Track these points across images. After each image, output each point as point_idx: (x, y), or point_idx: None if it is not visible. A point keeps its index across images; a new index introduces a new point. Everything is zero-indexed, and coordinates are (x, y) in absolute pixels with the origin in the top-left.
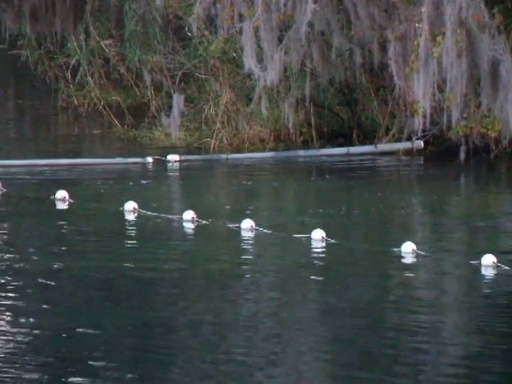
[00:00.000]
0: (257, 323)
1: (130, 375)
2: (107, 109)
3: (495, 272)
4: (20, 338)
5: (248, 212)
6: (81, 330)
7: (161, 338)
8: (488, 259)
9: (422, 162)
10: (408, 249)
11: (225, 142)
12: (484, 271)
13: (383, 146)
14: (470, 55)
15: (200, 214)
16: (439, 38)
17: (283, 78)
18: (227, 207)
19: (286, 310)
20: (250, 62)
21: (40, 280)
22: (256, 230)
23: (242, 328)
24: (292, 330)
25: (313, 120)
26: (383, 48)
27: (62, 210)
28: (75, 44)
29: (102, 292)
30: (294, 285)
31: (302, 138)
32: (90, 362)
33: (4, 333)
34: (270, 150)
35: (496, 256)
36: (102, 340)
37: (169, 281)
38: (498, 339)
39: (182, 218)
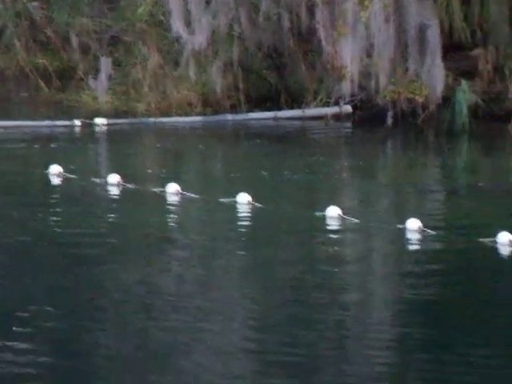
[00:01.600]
0: (182, 289)
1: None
2: (34, 72)
3: (420, 236)
4: None
5: (174, 176)
6: None
7: (87, 302)
8: (413, 224)
9: (350, 127)
10: (333, 213)
11: (152, 105)
12: (409, 235)
13: (311, 111)
14: (398, 20)
15: (126, 178)
16: (367, 3)
17: (211, 41)
18: (153, 171)
19: (211, 273)
20: (177, 25)
21: None
22: (182, 194)
23: (166, 294)
24: (216, 292)
25: (241, 84)
26: (311, 12)
27: None
28: (1, 6)
29: (23, 256)
30: (219, 249)
31: (229, 103)
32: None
33: None
34: (198, 114)
35: (421, 220)
36: (27, 301)
37: (93, 245)
38: (421, 305)
39: (107, 182)
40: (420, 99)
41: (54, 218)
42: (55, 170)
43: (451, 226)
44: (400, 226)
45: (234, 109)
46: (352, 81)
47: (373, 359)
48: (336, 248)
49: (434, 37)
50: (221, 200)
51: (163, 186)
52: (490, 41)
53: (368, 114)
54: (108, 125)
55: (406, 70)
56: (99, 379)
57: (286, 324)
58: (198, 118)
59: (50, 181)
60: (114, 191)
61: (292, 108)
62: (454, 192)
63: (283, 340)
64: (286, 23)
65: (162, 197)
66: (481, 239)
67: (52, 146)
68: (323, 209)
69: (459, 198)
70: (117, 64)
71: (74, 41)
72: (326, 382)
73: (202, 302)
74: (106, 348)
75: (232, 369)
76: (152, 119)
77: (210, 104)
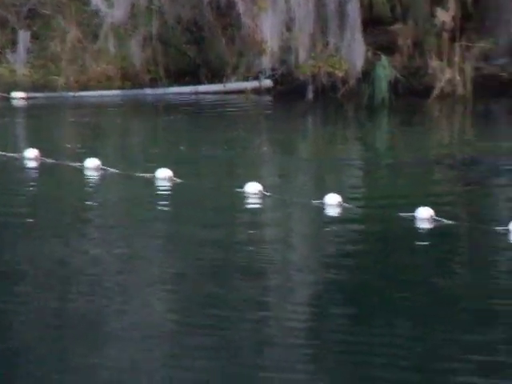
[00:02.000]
0: (100, 268)
1: None
2: None
3: (339, 211)
4: None
5: (93, 151)
6: None
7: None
8: (332, 199)
9: (271, 101)
10: (253, 189)
11: (71, 79)
12: (328, 210)
13: (232, 85)
14: None
15: (44, 153)
16: None
17: (130, 15)
18: (72, 146)
19: (131, 251)
20: None
21: None
22: (102, 169)
23: (84, 273)
24: (135, 271)
25: (160, 58)
26: None
27: None
28: None
29: None
30: (139, 225)
31: (149, 77)
32: None
33: None
34: (118, 88)
35: (341, 195)
36: None
37: (8, 224)
38: (341, 285)
39: (24, 157)
40: (340, 74)
41: None
42: None
43: (371, 200)
44: (320, 201)
45: (153, 83)
46: (272, 55)
47: (293, 340)
48: (256, 225)
49: (354, 11)
50: (140, 175)
51: (82, 160)
52: (410, 16)
53: (288, 89)
54: (26, 99)
55: (326, 44)
56: (14, 356)
57: (206, 305)
58: (117, 92)
59: None
60: (32, 166)
61: (212, 82)
62: (373, 167)
63: (202, 321)
64: None
65: (81, 172)
66: (400, 214)
67: None
68: (243, 184)
69: (379, 173)
70: (35, 37)
71: None
72: (246, 363)
73: (119, 281)
74: (19, 332)
75: (149, 351)
76: (71, 93)
77: (129, 78)
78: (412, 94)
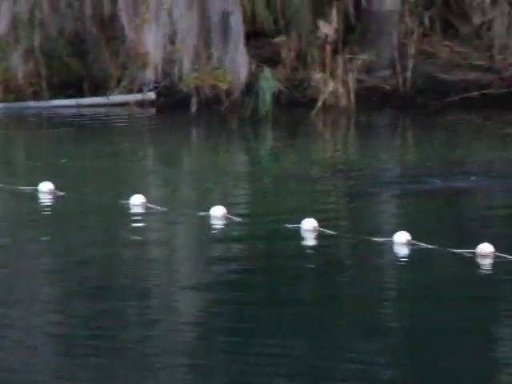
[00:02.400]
0: None
1: None
2: None
3: (224, 223)
4: None
5: None
6: None
7: None
8: (218, 211)
9: (154, 114)
10: (137, 201)
11: None
12: (214, 222)
13: (115, 98)
14: (201, 7)
15: None
16: None
17: (11, 27)
18: None
19: (11, 265)
20: None
21: None
22: None
23: None
24: (14, 285)
25: (43, 71)
26: None
27: None
28: None
29: None
30: (19, 238)
31: (32, 89)
32: None
33: None
34: (0, 101)
35: (226, 207)
36: None
37: None
38: (224, 291)
39: None
40: (223, 86)
41: None
42: None
43: (256, 212)
44: (205, 214)
45: (36, 96)
46: (155, 68)
47: (177, 359)
48: (140, 238)
49: (237, 24)
50: (22, 188)
51: None
52: (293, 28)
53: (172, 101)
54: None
55: (210, 56)
56: None
57: (88, 326)
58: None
59: None
60: None
61: (96, 95)
62: (258, 179)
63: (86, 341)
64: (88, 9)
65: None
66: (286, 225)
67: None
68: (127, 197)
69: (264, 184)
70: None
71: None
72: (131, 362)
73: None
74: None
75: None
76: None
77: (11, 90)
78: (296, 106)
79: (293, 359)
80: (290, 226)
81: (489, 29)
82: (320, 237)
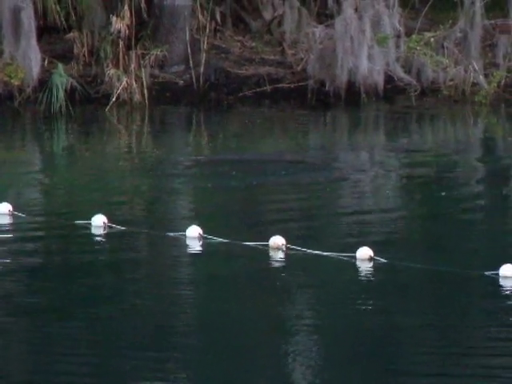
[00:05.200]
0: None
1: None
2: None
3: (9, 221)
4: None
5: None
6: None
7: None
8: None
9: None
10: None
11: None
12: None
13: None
14: None
15: None
16: None
17: None
18: None
19: None
20: None
21: None
22: None
23: None
24: None
25: None
26: None
27: None
28: None
29: None
30: None
31: None
32: None
33: None
34: None
35: (11, 204)
36: None
37: None
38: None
39: None
40: (16, 82)
41: None
42: None
43: (47, 209)
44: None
45: None
46: None
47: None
48: None
49: (29, 19)
50: None
51: None
52: (85, 24)
53: None
54: None
55: (1, 52)
56: None
57: None
58: None
59: None
60: None
61: None
62: (51, 175)
63: None
64: None
65: None
66: (76, 222)
67: None
68: None
69: (58, 181)
70: None
71: None
72: None
73: None
74: None
75: None
76: None
77: None
78: (90, 101)
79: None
80: (81, 222)
81: (279, 24)
82: (110, 233)
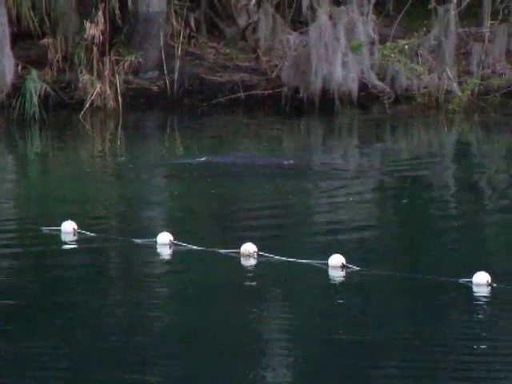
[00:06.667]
0: None
1: None
2: None
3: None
4: None
5: None
6: None
7: None
8: None
9: None
10: None
11: None
12: None
13: None
14: None
15: None
16: None
17: None
18: None
19: None
20: None
21: None
22: None
23: None
24: None
25: None
26: None
27: None
28: None
29: None
30: None
31: None
32: None
33: None
34: None
35: None
36: None
37: None
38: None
39: None
40: None
41: None
42: None
43: (17, 215)
44: None
45: None
46: None
47: None
48: None
49: (2, 25)
50: None
51: None
52: (59, 30)
53: None
54: None
55: None
56: None
57: None
58: None
59: None
60: None
61: None
62: (21, 180)
63: None
64: None
65: None
66: (44, 228)
67: None
68: None
69: (27, 186)
70: None
71: None
72: None
73: None
74: None
75: None
76: None
77: None
78: (63, 107)
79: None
80: (49, 228)
81: (254, 31)
82: (80, 239)
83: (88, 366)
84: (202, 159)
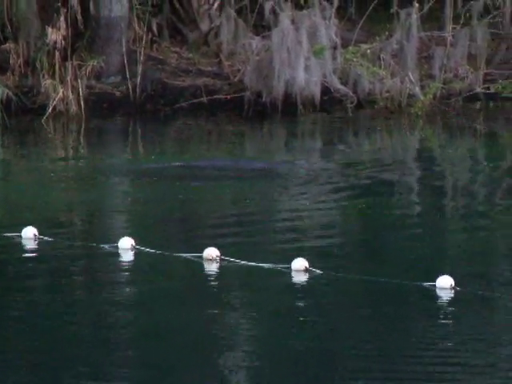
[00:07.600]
0: None
1: None
2: None
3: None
4: None
5: None
6: None
7: None
8: None
9: None
10: None
11: None
12: None
13: None
14: None
15: None
16: None
17: None
18: None
19: None
20: None
21: None
22: None
23: None
24: None
25: None
26: None
27: None
28: None
29: None
30: None
31: None
32: None
33: None
34: None
35: None
36: None
37: None
38: None
39: None
40: None
41: None
42: None
43: None
44: None
45: None
46: None
47: None
48: None
49: None
50: None
51: None
52: (21, 35)
53: None
54: None
55: None
56: None
57: None
58: None
59: None
60: None
61: None
62: None
63: None
64: None
65: None
66: (5, 234)
67: None
68: None
69: None
70: None
71: None
72: None
73: None
74: None
75: None
76: None
77: None
78: (26, 112)
79: None
80: (10, 234)
81: (216, 35)
82: (41, 244)
83: (46, 373)
84: (177, 164)
